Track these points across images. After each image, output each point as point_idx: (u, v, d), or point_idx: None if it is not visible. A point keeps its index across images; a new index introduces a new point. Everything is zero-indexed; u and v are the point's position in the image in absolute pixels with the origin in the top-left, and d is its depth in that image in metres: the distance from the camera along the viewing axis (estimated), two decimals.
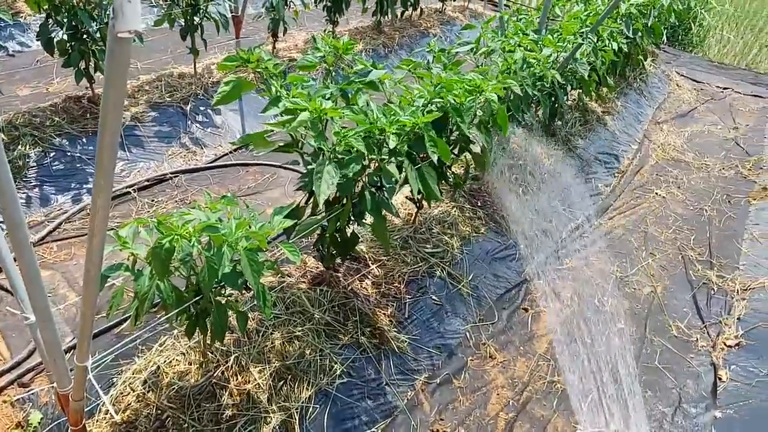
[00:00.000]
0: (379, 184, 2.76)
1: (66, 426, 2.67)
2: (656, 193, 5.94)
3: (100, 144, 1.23)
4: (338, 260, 3.43)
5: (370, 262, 3.64)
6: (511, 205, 4.66)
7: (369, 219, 2.98)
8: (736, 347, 3.95)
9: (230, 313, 2.40)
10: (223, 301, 2.28)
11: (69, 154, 4.53)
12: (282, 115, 2.66)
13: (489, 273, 4.08)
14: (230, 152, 5.36)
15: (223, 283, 2.20)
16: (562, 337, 3.86)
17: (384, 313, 3.40)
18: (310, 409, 2.80)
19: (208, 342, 2.61)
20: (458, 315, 3.71)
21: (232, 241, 1.98)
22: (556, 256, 4.61)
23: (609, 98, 7.11)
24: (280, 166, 5.19)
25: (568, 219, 5.06)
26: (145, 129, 5.07)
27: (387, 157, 2.57)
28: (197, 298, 2.21)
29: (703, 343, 4.02)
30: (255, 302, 2.98)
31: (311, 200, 2.90)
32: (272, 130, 2.65)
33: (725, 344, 3.99)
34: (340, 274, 3.48)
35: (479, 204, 4.48)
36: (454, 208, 4.28)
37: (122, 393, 2.66)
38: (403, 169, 2.55)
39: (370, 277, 3.57)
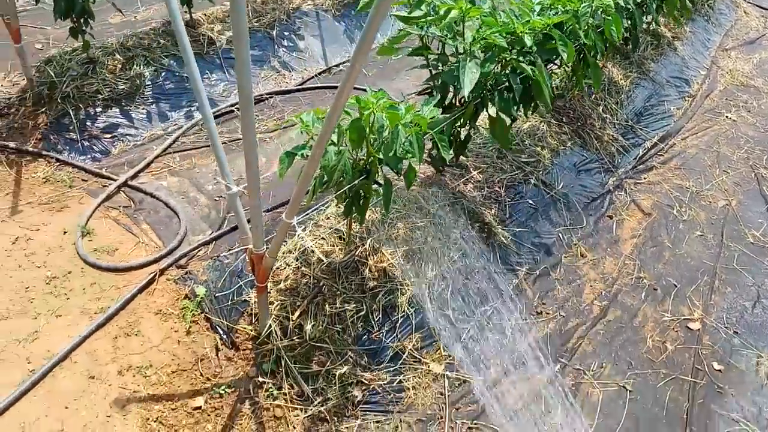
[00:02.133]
0: (506, 85, 3.03)
1: (231, 293, 3.13)
2: (726, 117, 6.03)
3: (371, 16, 1.52)
4: (444, 167, 3.75)
5: (471, 169, 3.95)
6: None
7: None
8: None
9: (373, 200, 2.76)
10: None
11: (177, 74, 4.87)
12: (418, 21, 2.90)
13: (576, 183, 4.36)
14: (315, 75, 5.64)
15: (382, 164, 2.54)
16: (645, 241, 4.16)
17: (488, 212, 3.74)
18: (435, 285, 3.20)
19: (355, 219, 2.97)
20: (551, 219, 4.02)
21: (405, 123, 2.30)
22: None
23: (679, 23, 7.06)
24: (363, 89, 5.45)
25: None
26: None
27: (516, 57, 2.82)
28: (362, 177, 2.56)
29: None
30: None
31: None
32: (408, 33, 2.90)
33: None
34: (446, 178, 3.80)
35: (564, 120, 4.70)
36: (542, 123, 4.51)
37: (279, 268, 3.09)
38: (537, 67, 2.80)
39: (472, 181, 3.89)
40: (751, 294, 3.86)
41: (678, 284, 3.86)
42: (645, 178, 4.84)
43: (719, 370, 3.32)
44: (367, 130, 2.25)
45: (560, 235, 3.98)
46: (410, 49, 3.05)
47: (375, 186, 2.55)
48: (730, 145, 5.54)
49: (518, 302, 3.45)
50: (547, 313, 3.47)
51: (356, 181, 2.53)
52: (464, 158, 3.97)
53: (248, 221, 2.46)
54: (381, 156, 2.33)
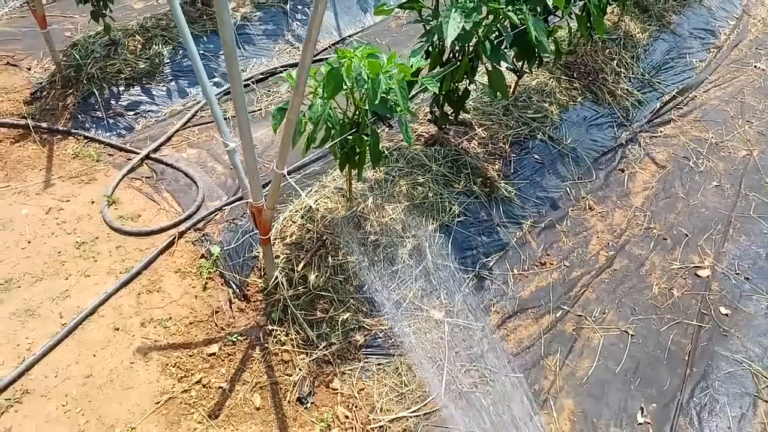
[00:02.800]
0: (496, 36, 3.06)
1: (242, 251, 3.32)
2: (755, 66, 5.81)
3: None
4: (447, 125, 3.80)
5: (475, 127, 3.99)
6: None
7: (481, 79, 3.29)
8: None
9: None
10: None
11: None
12: None
13: (586, 138, 4.33)
14: (329, 47, 5.73)
15: (373, 119, 2.64)
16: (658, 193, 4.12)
17: (492, 167, 3.79)
18: (436, 238, 3.30)
19: (354, 176, 3.09)
20: (558, 173, 4.03)
21: (386, 71, 2.38)
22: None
23: None
24: None
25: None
26: (254, 28, 5.51)
27: (504, 6, 2.85)
28: (353, 130, 2.67)
29: None
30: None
31: (430, 58, 3.25)
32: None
33: None
34: (449, 136, 3.86)
35: (575, 75, 4.65)
36: (551, 79, 4.49)
37: (285, 225, 3.25)
38: (524, 15, 2.82)
39: (476, 138, 3.93)
40: (767, 241, 3.79)
41: (689, 234, 3.83)
42: (661, 132, 4.75)
43: (726, 314, 3.30)
44: (350, 81, 2.35)
45: (568, 189, 3.99)
46: (401, 4, 3.11)
47: (365, 138, 2.65)
48: (756, 95, 5.35)
49: (521, 254, 3.51)
50: (551, 264, 3.52)
51: (347, 135, 2.65)
52: (468, 116, 4.02)
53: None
54: (366, 107, 2.44)
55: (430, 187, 3.46)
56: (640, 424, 2.79)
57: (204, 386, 2.83)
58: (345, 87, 2.37)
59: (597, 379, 2.98)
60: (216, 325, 3.09)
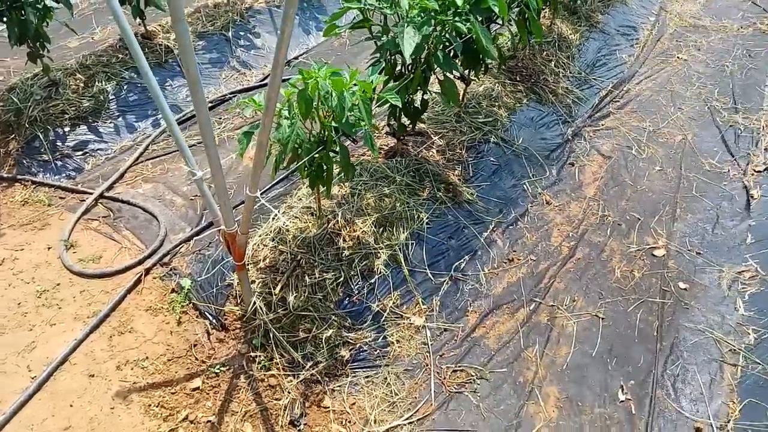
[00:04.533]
0: (446, 47, 3.17)
1: (215, 281, 3.27)
2: (678, 57, 6.22)
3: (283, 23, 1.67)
4: (405, 136, 3.90)
5: (432, 135, 4.10)
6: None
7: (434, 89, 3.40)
8: (765, 171, 4.40)
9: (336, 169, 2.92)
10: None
11: (139, 85, 4.97)
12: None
13: (536, 137, 4.53)
14: None
15: (339, 135, 2.69)
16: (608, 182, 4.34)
17: (452, 173, 3.90)
18: (409, 246, 3.36)
19: (323, 193, 3.11)
20: (514, 172, 4.19)
21: (349, 88, 2.44)
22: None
23: None
24: None
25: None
26: (198, 57, 5.46)
27: (452, 18, 2.97)
28: (320, 148, 2.70)
29: (734, 172, 4.48)
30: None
31: (384, 73, 3.33)
32: (347, 8, 3.04)
33: (755, 170, 4.44)
34: (409, 147, 3.95)
35: (518, 79, 4.86)
36: (497, 84, 4.67)
37: (257, 250, 3.23)
38: (470, 25, 2.95)
39: (434, 147, 4.04)
40: (711, 217, 4.06)
41: (641, 217, 4.05)
42: (603, 125, 5.02)
43: (685, 289, 3.51)
44: (316, 100, 2.39)
45: (525, 186, 4.15)
46: (353, 25, 3.19)
47: (332, 154, 2.70)
48: (682, 84, 5.73)
49: (490, 252, 3.62)
50: (519, 259, 3.64)
51: (315, 153, 2.68)
52: (424, 126, 4.13)
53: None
54: (334, 124, 2.48)
55: (397, 198, 3.52)
56: (622, 401, 2.91)
57: (191, 422, 2.76)
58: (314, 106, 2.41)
59: (576, 364, 3.09)
60: (196, 359, 3.02)
